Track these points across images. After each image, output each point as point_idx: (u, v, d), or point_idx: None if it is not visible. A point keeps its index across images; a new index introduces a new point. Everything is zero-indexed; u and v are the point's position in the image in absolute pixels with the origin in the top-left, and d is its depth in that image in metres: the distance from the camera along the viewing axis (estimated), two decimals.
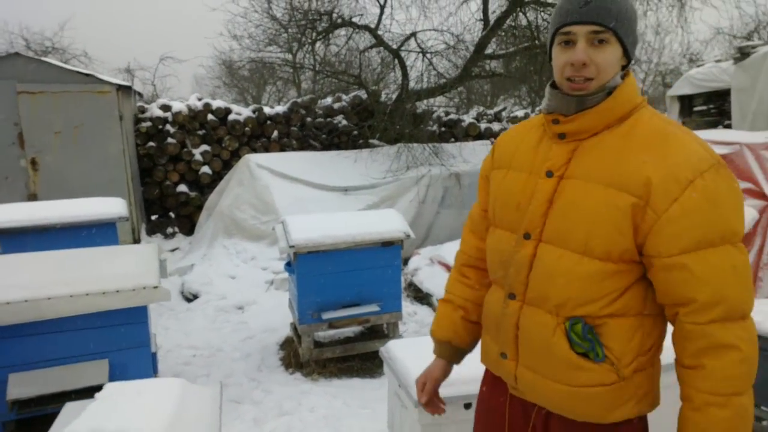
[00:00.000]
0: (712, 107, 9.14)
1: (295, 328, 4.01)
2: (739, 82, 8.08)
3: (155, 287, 2.89)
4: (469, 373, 1.66)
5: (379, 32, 7.57)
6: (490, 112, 9.79)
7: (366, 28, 7.64)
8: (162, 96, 17.46)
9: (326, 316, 3.66)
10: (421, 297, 5.03)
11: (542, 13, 7.61)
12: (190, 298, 5.33)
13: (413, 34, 7.40)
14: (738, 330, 1.08)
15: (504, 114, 9.70)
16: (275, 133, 7.95)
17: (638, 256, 1.14)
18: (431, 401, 1.50)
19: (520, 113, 9.77)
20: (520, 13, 7.24)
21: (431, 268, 5.19)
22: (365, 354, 3.86)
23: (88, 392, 2.65)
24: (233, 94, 20.19)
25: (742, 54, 8.11)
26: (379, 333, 4.06)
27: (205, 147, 7.70)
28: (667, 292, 1.12)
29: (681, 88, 9.54)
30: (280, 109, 8.16)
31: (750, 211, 4.10)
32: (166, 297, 2.91)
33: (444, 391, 1.93)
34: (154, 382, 2.04)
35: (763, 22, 14.77)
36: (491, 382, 1.42)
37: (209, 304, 5.08)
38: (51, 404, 2.77)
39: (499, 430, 1.36)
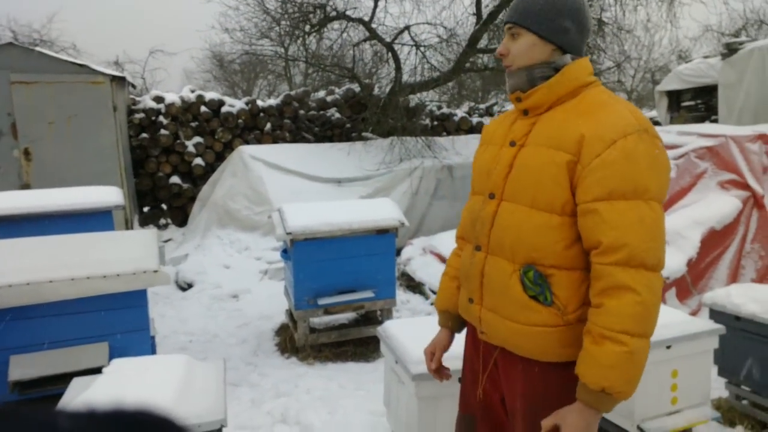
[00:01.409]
0: (699, 102, 9.30)
1: (290, 315, 4.07)
2: (726, 77, 8.22)
3: (155, 271, 2.94)
4: (459, 351, 1.75)
5: (373, 25, 7.61)
6: (482, 106, 9.89)
7: (360, 21, 7.68)
8: (152, 89, 17.38)
9: (322, 301, 3.73)
10: (413, 286, 5.11)
11: None
12: (185, 287, 5.37)
13: (407, 28, 7.46)
14: (637, 275, 1.20)
15: (495, 108, 9.81)
16: (268, 126, 7.98)
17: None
18: (439, 368, 1.66)
19: (511, 107, 9.87)
20: None
21: (424, 258, 5.28)
22: (359, 339, 3.94)
23: (88, 374, 2.71)
24: (223, 87, 20.13)
25: (730, 50, 8.25)
26: (373, 319, 4.14)
27: (198, 139, 7.72)
28: (584, 237, 1.28)
29: (669, 83, 9.70)
30: (273, 101, 8.19)
31: (733, 201, 4.23)
32: (166, 281, 2.97)
33: None
34: (159, 358, 2.11)
35: (750, 19, 14.99)
36: (472, 330, 1.60)
37: (204, 292, 5.13)
38: (51, 386, 2.82)
39: (476, 366, 1.55)
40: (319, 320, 4.09)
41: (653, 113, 12.93)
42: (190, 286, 5.37)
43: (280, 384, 3.30)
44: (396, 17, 7.71)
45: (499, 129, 1.51)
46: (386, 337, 2.34)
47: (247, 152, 6.60)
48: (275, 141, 7.94)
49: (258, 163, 6.48)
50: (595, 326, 1.23)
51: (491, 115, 9.67)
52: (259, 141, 7.88)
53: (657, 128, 5.98)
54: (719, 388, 2.99)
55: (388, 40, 7.56)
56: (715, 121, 8.58)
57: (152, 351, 3.33)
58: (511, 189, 1.38)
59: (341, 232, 3.70)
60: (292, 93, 8.36)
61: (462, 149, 7.03)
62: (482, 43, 7.45)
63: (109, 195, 4.21)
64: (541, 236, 1.31)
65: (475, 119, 9.17)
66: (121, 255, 3.01)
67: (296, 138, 8.12)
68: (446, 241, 5.36)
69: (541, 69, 1.36)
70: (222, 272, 5.57)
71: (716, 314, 2.84)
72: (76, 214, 4.02)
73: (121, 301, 2.96)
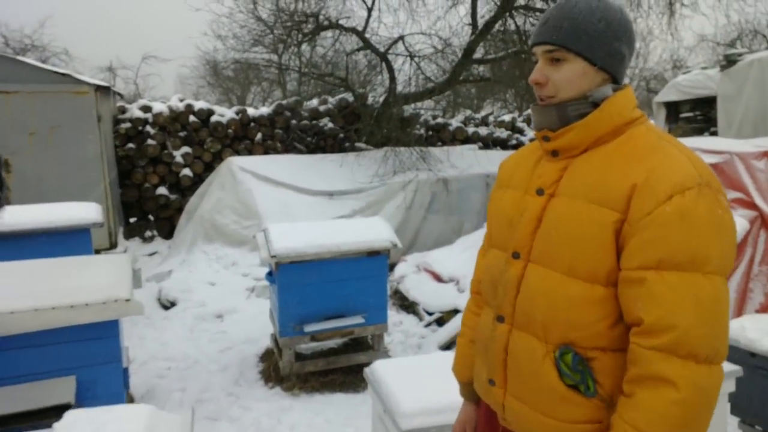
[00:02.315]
0: (698, 114, 9.16)
1: (275, 340, 3.86)
2: (725, 89, 8.08)
3: (127, 300, 2.73)
4: (457, 401, 1.55)
5: (367, 35, 7.45)
6: (477, 116, 9.74)
7: (353, 30, 7.52)
8: (144, 95, 17.19)
9: (309, 328, 3.52)
10: (407, 305, 4.91)
11: (531, 18, 7.56)
12: (168, 305, 5.15)
13: (401, 38, 7.30)
14: (682, 368, 0.96)
15: (491, 118, 9.65)
16: (259, 136, 7.79)
17: None
18: None
19: (506, 117, 9.73)
20: (509, 18, 7.16)
21: (418, 276, 5.08)
22: (348, 367, 3.73)
23: (53, 411, 2.51)
24: (217, 94, 19.99)
25: (729, 62, 8.12)
26: (363, 345, 3.93)
27: (186, 149, 7.52)
28: (624, 310, 1.04)
29: (668, 94, 9.56)
30: (264, 110, 8.00)
31: (740, 221, 4.05)
32: (138, 311, 2.76)
33: (432, 419, 1.83)
34: (120, 409, 1.90)
35: (745, 30, 14.94)
36: (487, 409, 1.34)
37: (187, 311, 4.91)
38: (15, 425, 2.61)
39: None
40: (306, 346, 3.88)
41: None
42: (173, 304, 5.15)
43: (262, 419, 3.08)
44: (390, 27, 7.57)
45: (520, 169, 1.27)
46: (374, 381, 2.14)
47: (236, 164, 6.40)
48: (266, 151, 7.75)
49: (247, 175, 6.28)
50: (619, 420, 1.01)
51: (486, 124, 9.51)
52: (249, 151, 7.69)
53: None
54: (732, 425, 2.80)
55: (381, 50, 7.39)
56: (715, 133, 8.44)
57: (124, 384, 3.12)
58: (541, 249, 1.13)
59: (330, 255, 3.49)
60: (284, 102, 8.17)
61: (457, 161, 6.85)
62: (478, 53, 7.29)
63: (87, 212, 4.00)
64: (581, 312, 1.06)
65: (470, 129, 9.00)
66: (91, 282, 2.80)
67: (288, 148, 7.94)
68: (441, 258, 5.17)
69: (577, 105, 1.12)
70: (207, 289, 5.35)
71: (729, 349, 2.65)
72: (53, 233, 3.82)
73: (90, 332, 2.75)
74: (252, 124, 7.83)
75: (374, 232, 3.69)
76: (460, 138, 8.78)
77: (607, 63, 1.12)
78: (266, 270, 3.89)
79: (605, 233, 1.04)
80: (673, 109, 9.61)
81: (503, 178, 1.33)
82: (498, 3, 7.15)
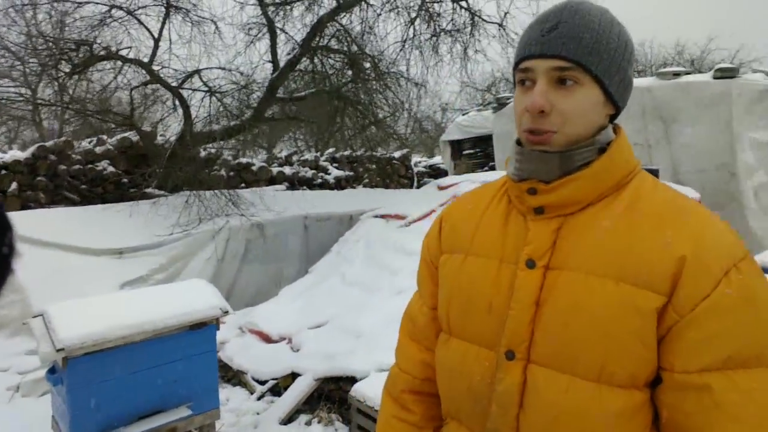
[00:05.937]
0: (479, 150, 10.20)
1: None
2: (499, 128, 9.11)
3: None
4: None
5: (155, 67, 6.59)
6: (281, 155, 9.42)
7: (137, 62, 6.59)
8: None
9: None
10: (231, 377, 4.20)
11: (329, 60, 7.57)
12: None
13: (197, 72, 6.62)
14: None
15: (295, 158, 9.41)
16: (14, 186, 6.26)
17: None
18: None
19: (309, 156, 9.59)
20: (315, 58, 7.05)
21: (242, 339, 4.41)
22: None
23: None
24: None
25: (499, 104, 9.21)
26: None
27: None
28: (675, 425, 0.79)
29: (451, 133, 10.49)
30: (20, 154, 6.48)
31: None
32: None
33: None
34: None
35: (497, 78, 17.53)
36: None
37: None
38: None
39: None
40: None
41: (435, 160, 14.02)
42: None
43: None
44: (184, 60, 6.83)
45: (482, 228, 0.95)
46: None
47: None
48: (25, 205, 6.25)
49: None
50: None
51: (290, 164, 9.21)
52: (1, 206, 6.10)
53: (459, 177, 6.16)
54: None
55: (174, 84, 6.60)
56: (493, 167, 9.44)
57: None
58: (548, 345, 0.83)
59: (141, 336, 2.71)
60: (48, 144, 6.74)
61: (272, 204, 6.35)
62: (285, 92, 7.01)
63: None
64: (622, 429, 0.79)
65: (275, 169, 8.60)
66: None
67: (56, 199, 6.53)
68: (267, 314, 4.59)
69: (585, 151, 0.86)
70: None
71: None
72: None
73: None
74: (3, 171, 6.25)
75: (196, 298, 3.01)
76: (265, 178, 8.32)
77: (620, 94, 0.88)
78: (36, 358, 2.91)
79: (647, 324, 0.78)
80: (456, 146, 10.57)
81: (458, 238, 0.99)
82: (299, 43, 6.98)
